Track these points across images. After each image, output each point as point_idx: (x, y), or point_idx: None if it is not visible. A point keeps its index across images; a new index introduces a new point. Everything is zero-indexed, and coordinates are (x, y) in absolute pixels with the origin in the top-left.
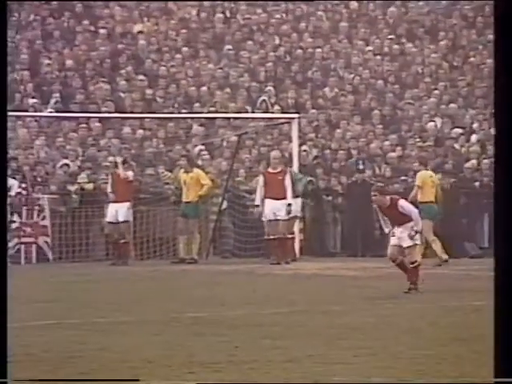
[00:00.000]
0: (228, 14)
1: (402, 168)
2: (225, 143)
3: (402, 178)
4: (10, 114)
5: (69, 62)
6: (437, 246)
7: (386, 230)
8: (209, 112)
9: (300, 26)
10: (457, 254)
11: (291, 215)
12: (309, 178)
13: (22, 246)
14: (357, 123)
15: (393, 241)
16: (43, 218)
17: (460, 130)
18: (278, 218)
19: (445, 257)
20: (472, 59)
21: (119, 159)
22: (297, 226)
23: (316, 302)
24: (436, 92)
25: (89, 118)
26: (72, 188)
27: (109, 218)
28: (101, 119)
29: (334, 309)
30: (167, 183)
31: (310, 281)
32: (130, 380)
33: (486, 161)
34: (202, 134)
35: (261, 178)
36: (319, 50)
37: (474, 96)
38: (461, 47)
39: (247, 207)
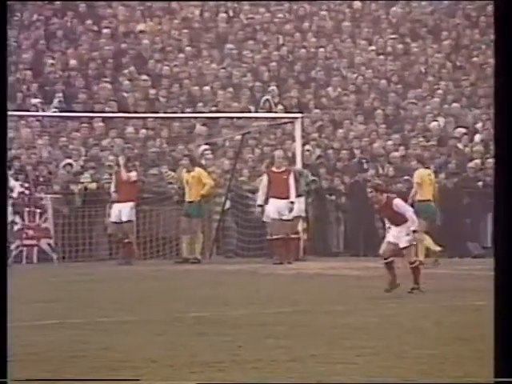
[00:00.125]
0: (231, 14)
1: (405, 167)
2: (228, 143)
3: (405, 177)
4: (12, 113)
5: (72, 62)
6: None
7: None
8: (212, 112)
9: (303, 25)
10: (460, 254)
11: (295, 215)
12: (312, 178)
13: (25, 249)
14: (360, 123)
15: (388, 238)
16: (45, 220)
17: (463, 130)
18: (283, 217)
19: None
20: (475, 59)
21: (122, 160)
22: (300, 226)
23: (319, 301)
24: (439, 92)
25: (92, 117)
26: (75, 188)
27: (113, 217)
28: (104, 119)
29: (337, 308)
30: (170, 183)
31: (313, 280)
32: (130, 380)
33: (489, 160)
34: (205, 134)
35: (265, 178)
36: (322, 49)
37: (477, 96)
38: (464, 47)
39: (250, 207)
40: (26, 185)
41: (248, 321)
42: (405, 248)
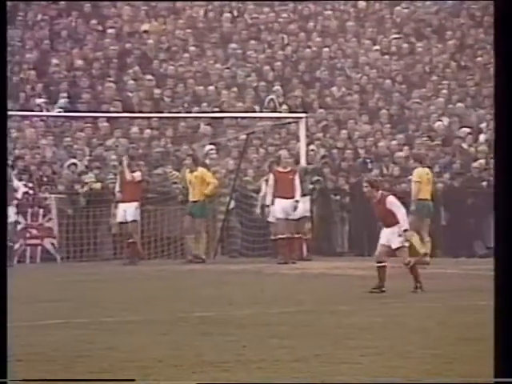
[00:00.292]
0: (235, 14)
1: (409, 167)
2: (232, 143)
3: (410, 177)
4: (16, 113)
5: (77, 62)
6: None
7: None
8: (216, 111)
9: (308, 25)
10: (465, 254)
11: (301, 215)
12: (316, 178)
13: (28, 248)
14: (364, 123)
15: (381, 240)
16: (49, 220)
17: (468, 130)
18: (288, 217)
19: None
20: (480, 58)
21: (125, 161)
22: (306, 226)
23: (323, 301)
24: (444, 91)
25: (96, 117)
26: (80, 187)
27: (118, 218)
28: (109, 119)
29: (342, 308)
30: (175, 182)
31: (318, 280)
32: (128, 380)
33: (493, 160)
34: (209, 134)
35: (271, 177)
36: (327, 49)
37: (481, 95)
38: (468, 46)
39: (255, 207)
40: (30, 185)
41: (252, 321)
42: (397, 249)
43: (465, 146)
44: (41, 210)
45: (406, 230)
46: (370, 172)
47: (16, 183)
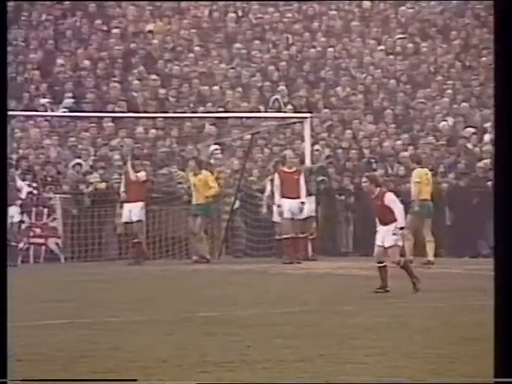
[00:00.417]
0: (240, 14)
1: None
2: (237, 143)
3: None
4: (20, 113)
5: (81, 62)
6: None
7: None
8: (221, 111)
9: (312, 25)
10: (470, 254)
11: (306, 215)
12: (321, 178)
13: (32, 248)
14: (369, 122)
15: (377, 241)
16: (53, 220)
17: (472, 130)
18: (294, 217)
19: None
20: (484, 58)
21: (129, 162)
22: (311, 226)
23: (328, 301)
24: (448, 91)
25: (101, 117)
26: (85, 187)
27: (124, 218)
28: (114, 119)
29: (346, 308)
30: (180, 183)
31: (323, 280)
32: (130, 380)
33: (493, 160)
34: (214, 134)
35: (276, 177)
36: (331, 49)
37: (486, 95)
38: (473, 46)
39: (260, 207)
40: (34, 184)
41: (257, 321)
42: (390, 247)
43: (469, 145)
44: (45, 210)
45: (402, 228)
46: (375, 172)
47: (20, 183)
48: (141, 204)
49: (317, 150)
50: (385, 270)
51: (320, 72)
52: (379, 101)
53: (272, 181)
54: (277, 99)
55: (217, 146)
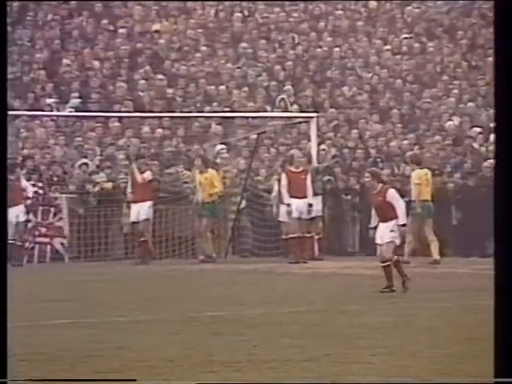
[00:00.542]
0: (246, 13)
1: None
2: (243, 142)
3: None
4: (26, 113)
5: (88, 62)
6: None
7: (372, 224)
8: (227, 111)
9: (319, 25)
10: (475, 254)
11: (313, 214)
12: (327, 177)
13: (37, 247)
14: (375, 122)
15: (376, 240)
16: (59, 219)
17: (478, 129)
18: (301, 216)
19: (407, 259)
20: (491, 58)
21: (134, 165)
22: (318, 226)
23: (334, 301)
24: (455, 91)
25: (108, 117)
26: (91, 187)
27: (132, 217)
28: (120, 118)
29: (353, 308)
30: (186, 182)
31: (329, 280)
32: (130, 380)
33: (494, 160)
34: (220, 133)
35: (283, 177)
36: (337, 49)
37: (492, 95)
38: (479, 46)
39: (266, 206)
40: (40, 184)
41: (263, 320)
42: (385, 243)
43: (476, 145)
44: (51, 209)
45: (403, 225)
46: (381, 171)
47: (25, 183)
48: (149, 203)
49: (323, 150)
50: (390, 269)
51: (326, 72)
52: (385, 100)
53: (279, 181)
54: (283, 99)
55: (223, 146)
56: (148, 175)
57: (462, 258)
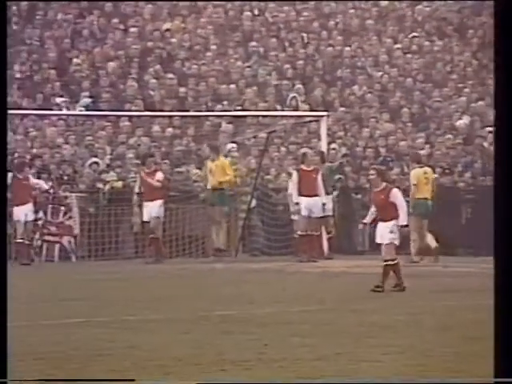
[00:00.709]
0: (256, 12)
1: (430, 166)
2: (254, 141)
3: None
4: (37, 112)
5: (98, 61)
6: (415, 245)
7: (366, 220)
8: (237, 110)
9: (329, 23)
10: (485, 253)
11: (324, 213)
12: (338, 176)
13: (46, 245)
14: (385, 121)
15: (376, 239)
16: (69, 218)
17: (489, 128)
18: (311, 215)
19: (416, 259)
20: None
21: (142, 173)
22: (328, 224)
23: (345, 299)
24: (465, 90)
25: (118, 116)
26: (101, 186)
27: (145, 217)
28: (130, 117)
29: (363, 307)
30: (196, 181)
31: (339, 279)
32: (128, 380)
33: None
34: (231, 132)
35: (295, 175)
36: (348, 48)
37: None
38: (490, 45)
39: (276, 205)
40: (50, 183)
41: (274, 319)
42: (386, 244)
43: (486, 144)
44: (61, 208)
45: (404, 226)
46: (391, 171)
47: (36, 180)
48: (160, 202)
49: (333, 149)
50: (397, 267)
51: (336, 71)
52: (396, 99)
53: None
54: (294, 97)
55: (233, 145)
56: (159, 176)
57: (472, 257)
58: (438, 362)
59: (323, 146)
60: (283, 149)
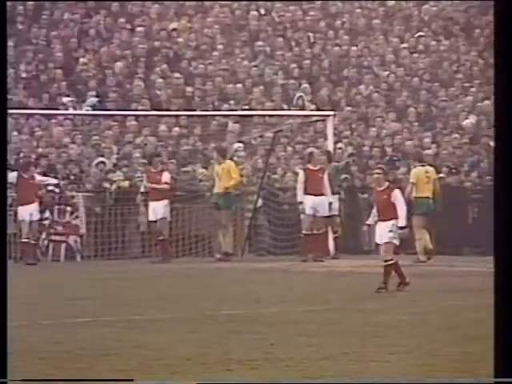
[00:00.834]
0: (262, 12)
1: (437, 165)
2: (260, 141)
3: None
4: (44, 112)
5: (104, 60)
6: (420, 244)
7: (369, 221)
8: (244, 109)
9: (335, 23)
10: (491, 253)
11: (331, 213)
12: (344, 176)
13: (52, 245)
14: (392, 121)
15: (377, 239)
16: (76, 218)
17: None
18: (317, 214)
19: (422, 258)
20: None
21: (145, 177)
22: (334, 224)
23: (351, 299)
24: (471, 89)
25: (125, 115)
26: (108, 186)
27: (150, 216)
28: (137, 117)
29: (369, 306)
30: (201, 180)
31: (345, 278)
32: (127, 380)
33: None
34: (237, 132)
35: (301, 174)
36: (354, 47)
37: None
38: None
39: (282, 205)
40: (56, 182)
41: (280, 319)
42: (384, 244)
43: (492, 144)
44: (68, 208)
45: (403, 228)
46: (397, 170)
47: (43, 178)
48: (165, 202)
49: (339, 149)
50: (397, 266)
51: (343, 70)
52: (402, 99)
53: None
54: (301, 97)
55: (240, 144)
56: (166, 177)
57: (478, 257)
58: (444, 361)
59: (329, 146)
60: (290, 148)
